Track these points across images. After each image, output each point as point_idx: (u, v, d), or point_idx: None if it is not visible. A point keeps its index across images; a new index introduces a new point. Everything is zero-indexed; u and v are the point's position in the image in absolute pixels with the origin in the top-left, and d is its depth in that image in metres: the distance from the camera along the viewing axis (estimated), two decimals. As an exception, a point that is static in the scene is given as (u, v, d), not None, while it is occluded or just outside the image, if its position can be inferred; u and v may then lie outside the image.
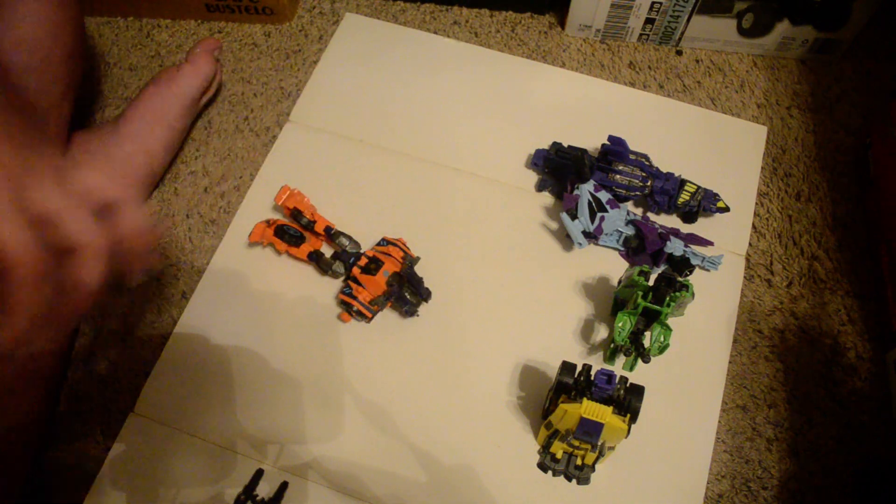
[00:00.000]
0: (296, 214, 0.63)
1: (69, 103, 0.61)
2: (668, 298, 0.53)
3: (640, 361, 0.56)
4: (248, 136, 0.71)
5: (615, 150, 0.63)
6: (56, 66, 0.58)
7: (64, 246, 0.34)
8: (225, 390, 0.58)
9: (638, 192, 0.64)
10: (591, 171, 0.63)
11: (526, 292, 0.62)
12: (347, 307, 0.60)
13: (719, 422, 0.58)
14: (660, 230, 0.62)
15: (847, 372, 0.60)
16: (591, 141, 0.67)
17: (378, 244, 0.62)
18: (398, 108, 0.72)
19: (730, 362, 0.60)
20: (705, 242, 0.63)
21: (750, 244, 0.66)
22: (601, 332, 0.61)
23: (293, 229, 0.62)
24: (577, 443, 0.51)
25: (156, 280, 0.63)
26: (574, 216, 0.61)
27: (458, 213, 0.66)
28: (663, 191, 0.63)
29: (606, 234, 0.62)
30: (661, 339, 0.54)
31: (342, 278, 0.62)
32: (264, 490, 0.51)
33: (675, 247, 0.60)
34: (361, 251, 0.62)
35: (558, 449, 0.54)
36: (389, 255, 0.60)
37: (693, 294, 0.55)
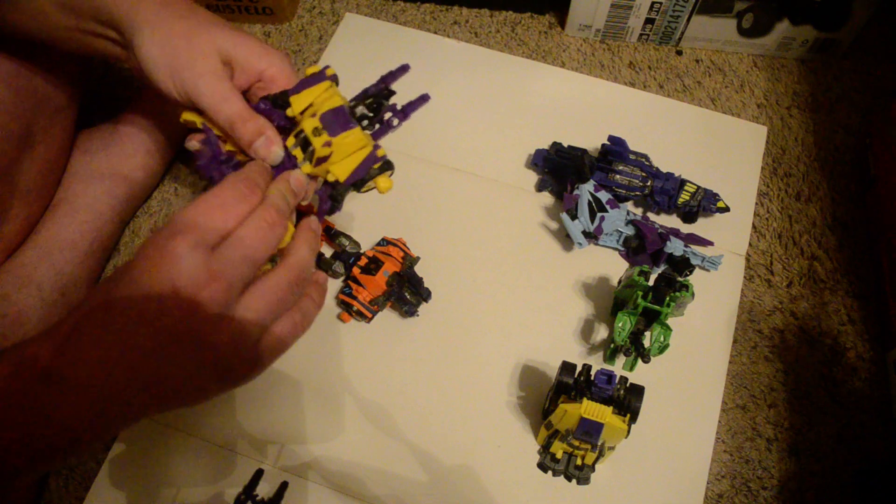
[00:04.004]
0: (296, 214, 0.63)
1: (76, 105, 0.61)
2: (668, 298, 0.53)
3: (640, 361, 0.56)
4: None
5: (615, 150, 0.63)
6: (66, 68, 0.58)
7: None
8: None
9: (638, 192, 0.64)
10: (591, 171, 0.63)
11: (526, 292, 0.62)
12: (347, 307, 0.60)
13: (719, 422, 0.58)
14: (660, 230, 0.62)
15: (847, 372, 0.60)
16: (591, 141, 0.67)
17: (378, 244, 0.62)
18: (398, 108, 0.72)
19: (730, 362, 0.60)
20: (705, 242, 0.63)
21: (750, 244, 0.66)
22: (601, 332, 0.61)
23: (293, 229, 0.62)
24: (577, 443, 0.51)
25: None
26: (574, 216, 0.61)
27: (458, 213, 0.66)
28: (663, 191, 0.63)
29: (606, 234, 0.62)
30: (661, 339, 0.55)
31: (342, 278, 0.62)
32: (264, 490, 0.51)
33: (675, 247, 0.60)
34: (361, 251, 0.62)
35: (558, 449, 0.54)
36: (389, 255, 0.60)
37: (693, 294, 0.55)
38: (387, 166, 0.45)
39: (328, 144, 0.43)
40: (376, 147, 0.45)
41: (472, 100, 0.72)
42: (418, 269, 0.61)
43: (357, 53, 0.75)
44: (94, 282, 0.62)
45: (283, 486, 0.52)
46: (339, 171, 0.44)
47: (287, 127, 0.46)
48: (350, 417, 0.57)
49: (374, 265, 0.59)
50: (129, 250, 0.66)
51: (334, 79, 0.45)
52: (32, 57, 0.54)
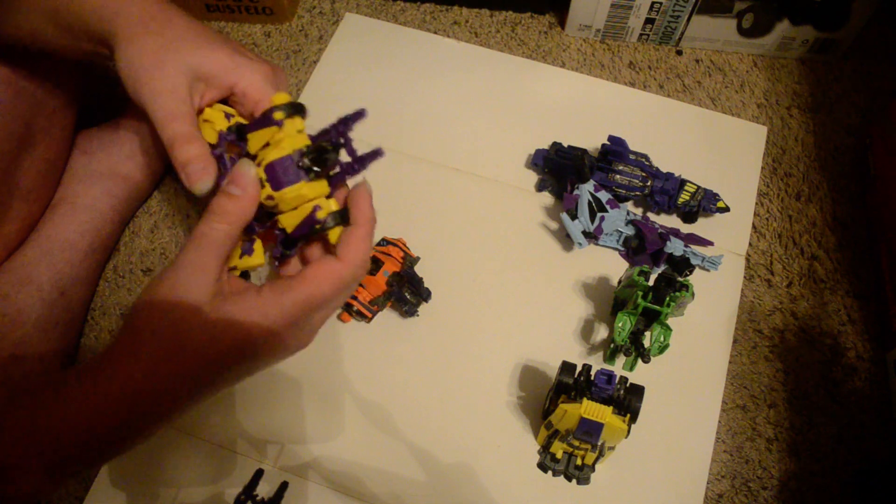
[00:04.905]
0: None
1: (76, 105, 0.61)
2: (668, 298, 0.53)
3: (640, 361, 0.56)
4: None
5: (615, 150, 0.63)
6: (65, 68, 0.58)
7: None
8: (225, 390, 0.58)
9: (638, 192, 0.64)
10: (591, 171, 0.63)
11: (526, 292, 0.62)
12: (347, 307, 0.60)
13: (719, 422, 0.58)
14: (660, 230, 0.62)
15: (847, 372, 0.60)
16: (591, 141, 0.67)
17: (378, 244, 0.62)
18: (398, 108, 0.72)
19: (730, 362, 0.60)
20: (705, 242, 0.63)
21: (750, 244, 0.66)
22: (601, 332, 0.61)
23: (293, 229, 0.62)
24: (577, 443, 0.51)
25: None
26: (574, 216, 0.61)
27: (458, 213, 0.66)
28: (663, 191, 0.63)
29: (606, 234, 0.62)
30: (661, 339, 0.55)
31: (342, 278, 0.62)
32: (264, 490, 0.51)
33: (675, 247, 0.60)
34: (361, 251, 0.62)
35: (558, 449, 0.54)
36: (389, 255, 0.60)
37: (693, 294, 0.55)
38: (334, 221, 0.42)
39: (270, 198, 0.40)
40: (316, 208, 0.41)
41: (472, 100, 0.72)
42: (418, 269, 0.61)
43: (357, 53, 0.75)
44: (94, 282, 0.62)
45: (283, 486, 0.52)
46: (287, 222, 0.42)
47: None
48: (350, 417, 0.57)
49: (374, 265, 0.59)
50: (128, 250, 0.65)
51: (295, 112, 0.42)
52: (32, 58, 0.54)
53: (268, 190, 0.40)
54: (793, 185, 0.69)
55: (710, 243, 0.64)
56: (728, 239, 0.65)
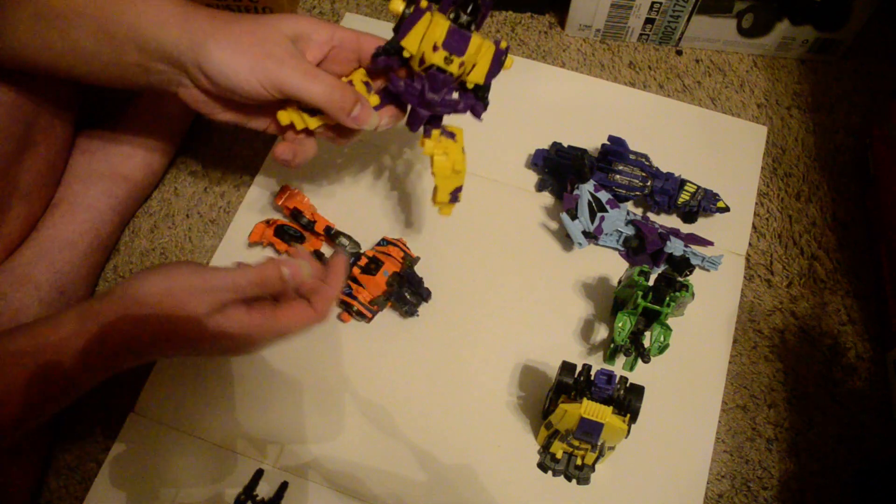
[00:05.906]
0: (296, 214, 0.63)
1: (76, 105, 0.61)
2: (668, 298, 0.53)
3: (640, 361, 0.56)
4: (247, 136, 0.71)
5: (615, 150, 0.63)
6: None
7: None
8: (225, 390, 0.58)
9: (638, 192, 0.64)
10: (591, 171, 0.63)
11: (526, 292, 0.62)
12: (347, 307, 0.60)
13: (719, 422, 0.58)
14: (660, 230, 0.62)
15: (847, 372, 0.60)
16: (591, 141, 0.67)
17: (378, 244, 0.62)
18: (398, 108, 0.72)
19: (730, 362, 0.60)
20: (705, 242, 0.63)
21: (750, 244, 0.66)
22: (601, 332, 0.61)
23: (293, 229, 0.62)
24: (577, 443, 0.51)
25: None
26: (574, 216, 0.61)
27: (458, 213, 0.66)
28: (663, 191, 0.63)
29: (606, 234, 0.62)
30: (661, 339, 0.55)
31: (342, 278, 0.62)
32: (264, 490, 0.51)
33: (675, 247, 0.60)
34: (361, 251, 0.62)
35: (558, 449, 0.54)
36: (389, 255, 0.60)
37: (693, 294, 0.55)
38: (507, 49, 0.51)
39: (462, 65, 0.47)
40: (497, 42, 0.49)
41: (472, 100, 0.72)
42: (418, 269, 0.61)
43: (357, 53, 0.75)
44: (93, 282, 0.62)
45: (283, 486, 0.52)
46: (476, 76, 0.49)
47: (405, 66, 0.49)
48: (350, 417, 0.57)
49: (374, 265, 0.59)
50: (128, 250, 0.65)
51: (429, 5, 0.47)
52: None
53: (456, 60, 0.47)
54: (793, 185, 0.69)
55: (710, 243, 0.64)
56: (728, 239, 0.65)
